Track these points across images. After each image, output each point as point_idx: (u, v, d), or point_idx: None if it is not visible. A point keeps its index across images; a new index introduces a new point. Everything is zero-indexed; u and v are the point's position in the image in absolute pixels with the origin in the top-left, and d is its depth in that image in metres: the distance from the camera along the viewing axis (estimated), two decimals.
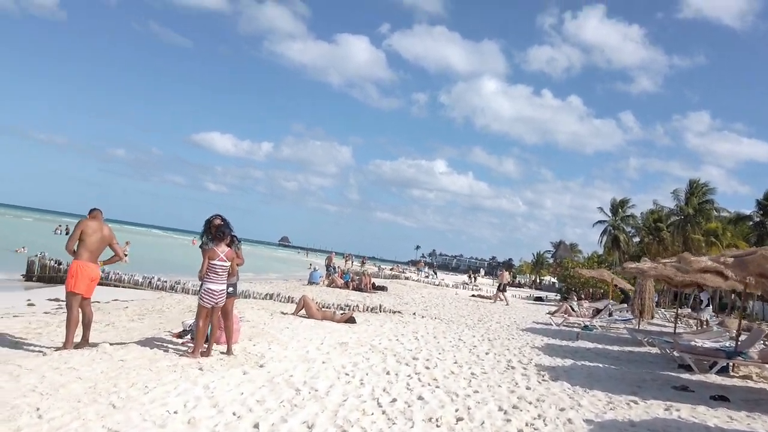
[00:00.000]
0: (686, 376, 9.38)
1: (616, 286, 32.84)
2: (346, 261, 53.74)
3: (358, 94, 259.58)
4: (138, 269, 18.38)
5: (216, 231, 6.71)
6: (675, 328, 14.02)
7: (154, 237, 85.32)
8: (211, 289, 6.52)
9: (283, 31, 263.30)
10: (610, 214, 60.57)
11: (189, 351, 6.51)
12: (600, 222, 60.97)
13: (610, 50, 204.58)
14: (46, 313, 10.85)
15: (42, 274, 17.71)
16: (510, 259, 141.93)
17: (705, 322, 21.32)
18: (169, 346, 6.93)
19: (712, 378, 9.33)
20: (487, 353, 9.78)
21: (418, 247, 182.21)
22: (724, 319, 22.63)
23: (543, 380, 7.74)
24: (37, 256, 18.25)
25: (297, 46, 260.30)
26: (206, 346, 6.66)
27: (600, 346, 12.80)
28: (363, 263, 47.32)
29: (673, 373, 9.54)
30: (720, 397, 7.46)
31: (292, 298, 15.25)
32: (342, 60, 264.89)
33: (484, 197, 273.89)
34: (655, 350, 12.65)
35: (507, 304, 25.04)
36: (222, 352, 6.92)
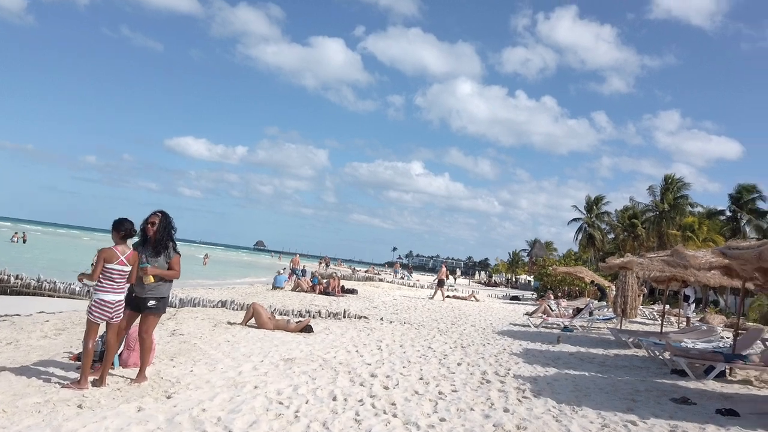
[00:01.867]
0: (682, 383, 8.31)
1: (593, 282, 32.20)
2: (320, 264, 52.38)
3: (333, 96, 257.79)
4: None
5: (117, 225, 5.30)
6: (662, 327, 13.04)
7: None
8: (103, 301, 5.13)
9: (257, 35, 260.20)
10: (584, 212, 60.37)
11: (74, 381, 5.10)
12: (575, 220, 60.73)
13: (583, 51, 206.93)
14: None
15: None
16: (486, 259, 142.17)
17: (688, 320, 20.55)
18: (59, 372, 5.53)
19: (711, 385, 8.27)
20: (459, 364, 8.56)
21: (395, 249, 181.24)
22: (705, 315, 21.92)
23: (524, 397, 6.55)
24: None
25: (271, 49, 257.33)
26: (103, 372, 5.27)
27: (583, 349, 11.72)
28: (327, 264, 45.88)
29: (667, 380, 8.46)
30: (728, 411, 6.37)
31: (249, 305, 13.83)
32: (317, 63, 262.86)
33: (460, 198, 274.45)
34: (642, 352, 11.62)
35: (443, 300, 24.21)
36: (132, 379, 5.55)
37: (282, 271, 22.88)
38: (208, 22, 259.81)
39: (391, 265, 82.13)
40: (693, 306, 21.23)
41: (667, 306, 27.25)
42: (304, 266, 36.22)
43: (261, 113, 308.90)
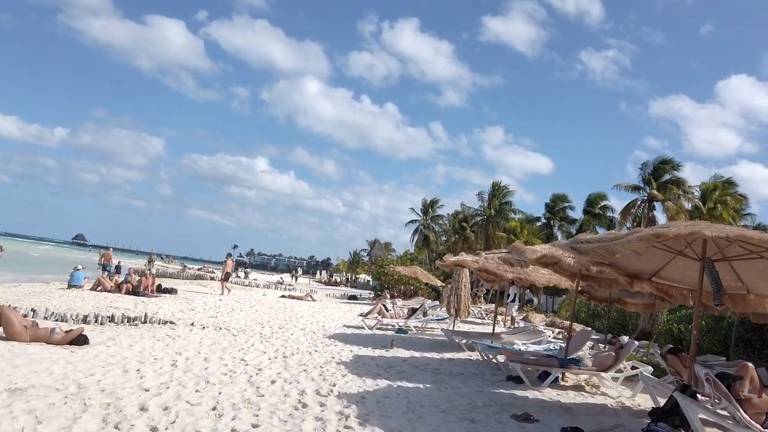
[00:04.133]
0: (519, 392, 7.63)
1: (427, 284, 32.70)
2: (150, 260, 47.35)
3: (171, 82, 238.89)
4: None
5: None
6: (494, 327, 12.78)
7: None
8: None
9: (83, 5, 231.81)
10: (421, 214, 62.61)
11: None
12: (412, 222, 62.75)
13: (423, 62, 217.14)
14: None
15: None
16: (328, 259, 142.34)
17: (512, 319, 21.27)
18: None
19: (548, 393, 7.71)
20: (273, 381, 6.95)
21: (235, 246, 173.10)
22: (528, 314, 22.99)
23: (346, 427, 5.16)
24: None
25: (100, 23, 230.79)
26: None
27: (417, 354, 10.83)
28: (151, 261, 41.51)
29: (504, 390, 7.73)
30: (573, 430, 5.63)
31: (17, 308, 10.75)
32: (153, 44, 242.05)
33: (305, 197, 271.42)
34: (476, 355, 11.07)
35: (229, 292, 22.74)
36: None
37: (81, 267, 19.23)
38: None
39: None
40: (516, 305, 22.11)
41: (492, 305, 28.49)
42: (119, 262, 31.82)
43: (86, 93, 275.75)
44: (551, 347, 10.61)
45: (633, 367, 8.99)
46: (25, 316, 10.28)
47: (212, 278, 38.96)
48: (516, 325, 19.29)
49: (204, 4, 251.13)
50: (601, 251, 5.46)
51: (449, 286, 15.22)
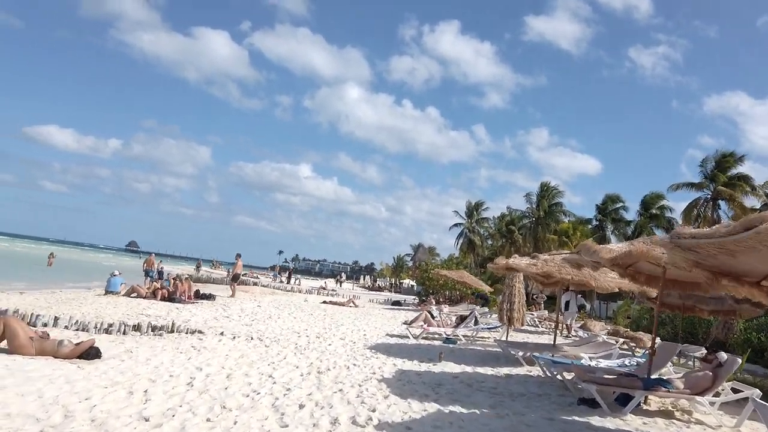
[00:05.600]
0: (597, 419, 6.30)
1: (474, 291, 31.12)
2: (198, 266, 47.89)
3: (218, 92, 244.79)
4: None
5: None
6: (555, 339, 11.37)
7: None
8: None
9: (133, 20, 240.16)
10: (465, 217, 60.96)
11: None
12: (456, 225, 61.17)
13: (465, 64, 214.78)
14: None
15: None
16: (372, 263, 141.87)
17: (568, 328, 19.66)
18: None
19: (632, 421, 6.36)
20: (302, 405, 5.88)
21: (281, 252, 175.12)
22: (586, 321, 21.26)
23: None
24: None
25: (148, 36, 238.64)
26: None
27: (469, 368, 9.59)
28: (198, 267, 41.56)
29: (578, 417, 6.41)
30: None
31: (39, 316, 10.12)
32: (199, 55, 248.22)
33: (348, 203, 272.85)
34: (536, 370, 9.75)
35: (233, 296, 21.79)
36: None
37: (117, 273, 18.83)
38: (77, 1, 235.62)
39: (273, 268, 78.00)
40: (574, 312, 20.46)
41: (546, 312, 26.78)
42: (161, 267, 31.76)
43: (137, 105, 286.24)
44: (626, 362, 9.17)
45: (734, 390, 7.50)
46: (45, 325, 9.64)
47: (255, 283, 38.65)
48: (573, 334, 17.70)
49: (247, 14, 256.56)
50: (729, 244, 4.15)
51: (505, 291, 13.89)
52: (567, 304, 20.48)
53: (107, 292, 17.91)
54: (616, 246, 6.96)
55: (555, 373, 8.69)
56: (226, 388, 6.33)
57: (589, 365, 8.87)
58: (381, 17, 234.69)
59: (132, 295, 17.30)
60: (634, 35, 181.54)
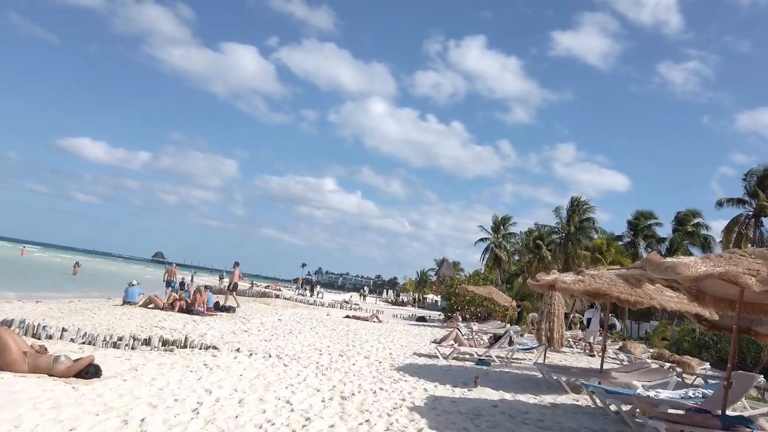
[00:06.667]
0: None
1: (505, 314, 29.72)
2: (221, 278, 47.61)
3: (244, 106, 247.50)
4: None
5: None
6: (602, 364, 10.28)
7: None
8: None
9: (164, 35, 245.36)
10: (491, 232, 59.59)
11: None
12: (482, 240, 59.78)
13: (490, 79, 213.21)
14: None
15: None
16: (395, 278, 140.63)
17: (591, 346, 18.53)
18: None
19: None
20: None
21: (304, 265, 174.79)
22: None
23: None
24: None
25: (179, 51, 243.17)
26: None
27: (508, 395, 8.60)
28: (221, 278, 41.09)
29: None
30: None
31: (46, 328, 9.47)
32: (228, 70, 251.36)
33: (371, 217, 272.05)
34: (582, 398, 8.72)
35: (239, 306, 20.77)
36: None
37: (135, 283, 18.29)
38: (110, 17, 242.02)
39: (296, 281, 77.63)
40: (597, 330, 19.32)
41: (580, 332, 25.43)
42: (182, 278, 31.36)
43: (166, 118, 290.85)
44: (689, 394, 8.07)
45: None
46: (50, 337, 8.98)
47: (277, 296, 38.04)
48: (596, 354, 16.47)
49: (275, 30, 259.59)
50: None
51: (543, 310, 12.85)
52: (589, 321, 19.28)
53: (124, 303, 17.37)
54: (689, 259, 5.97)
55: (610, 404, 7.65)
56: (236, 417, 5.50)
57: (648, 396, 7.80)
58: (406, 33, 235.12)
59: (149, 306, 16.70)
60: (664, 51, 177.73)
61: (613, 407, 7.66)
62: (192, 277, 49.60)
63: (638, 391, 8.20)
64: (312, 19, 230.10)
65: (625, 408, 7.44)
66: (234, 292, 22.24)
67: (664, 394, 8.01)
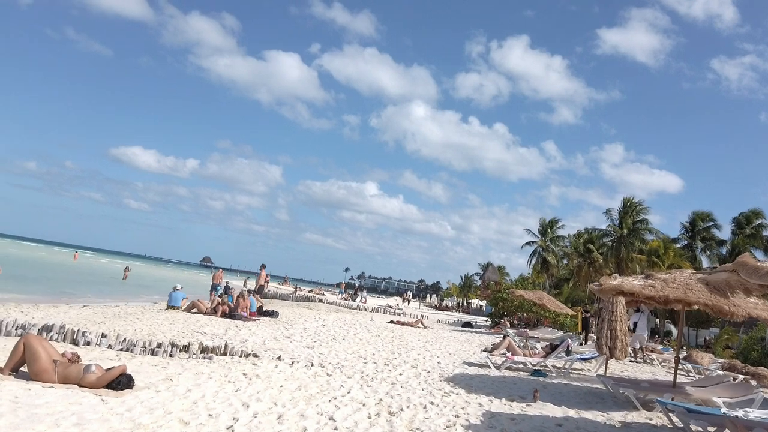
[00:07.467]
0: None
1: (573, 314, 28.32)
2: (245, 284, 47.79)
3: (288, 112, 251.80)
4: None
5: None
6: (675, 377, 9.29)
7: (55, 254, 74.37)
8: None
9: (211, 45, 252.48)
10: (539, 236, 57.83)
11: None
12: (528, 243, 58.00)
13: (534, 80, 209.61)
14: None
15: None
16: (438, 282, 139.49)
17: (635, 352, 17.33)
18: None
19: None
20: None
21: (347, 269, 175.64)
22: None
23: None
24: None
25: (224, 61, 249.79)
26: None
27: (572, 412, 7.78)
28: (266, 283, 41.08)
29: None
30: None
31: (85, 333, 9.24)
32: (271, 77, 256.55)
33: (413, 221, 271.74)
34: (656, 417, 7.81)
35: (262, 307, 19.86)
36: None
37: (179, 287, 18.21)
38: (159, 29, 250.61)
39: (339, 285, 77.68)
40: (644, 335, 18.11)
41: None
42: (227, 282, 31.47)
43: (213, 126, 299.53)
44: None
45: None
46: (89, 343, 8.71)
47: (320, 300, 37.79)
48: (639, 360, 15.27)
49: (316, 36, 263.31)
50: None
51: (605, 317, 11.88)
52: (635, 325, 18.02)
53: (168, 307, 17.30)
54: None
55: (692, 425, 6.75)
56: None
57: (736, 416, 6.86)
58: (448, 35, 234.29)
59: (192, 310, 16.54)
60: (718, 45, 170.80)
61: (696, 429, 6.75)
62: (245, 282, 50.08)
63: (723, 410, 7.24)
64: (353, 25, 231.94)
65: (711, 430, 6.54)
66: (258, 295, 21.99)
67: (754, 413, 7.03)
